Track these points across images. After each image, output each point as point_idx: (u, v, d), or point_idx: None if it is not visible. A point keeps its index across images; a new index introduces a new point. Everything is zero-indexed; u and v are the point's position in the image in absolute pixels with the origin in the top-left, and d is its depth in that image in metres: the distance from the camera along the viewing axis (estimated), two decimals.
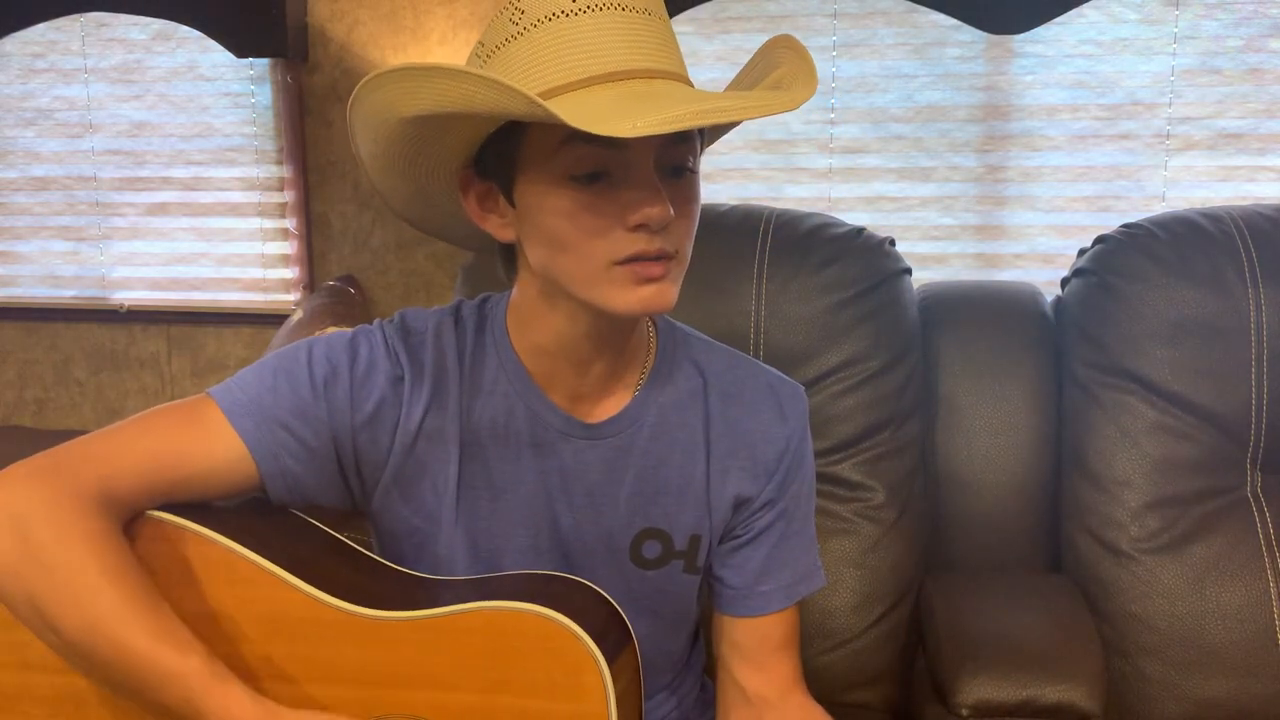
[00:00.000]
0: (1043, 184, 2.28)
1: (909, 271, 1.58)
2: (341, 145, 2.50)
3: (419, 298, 2.53)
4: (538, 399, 0.95)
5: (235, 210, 2.64)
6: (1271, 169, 2.19)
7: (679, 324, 1.03)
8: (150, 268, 2.71)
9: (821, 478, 1.37)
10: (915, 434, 1.50)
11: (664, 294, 0.84)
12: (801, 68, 0.84)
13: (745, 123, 0.99)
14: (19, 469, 0.83)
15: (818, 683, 1.09)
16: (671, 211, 0.81)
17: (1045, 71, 2.24)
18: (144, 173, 2.66)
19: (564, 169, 0.81)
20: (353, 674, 0.87)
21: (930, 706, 1.28)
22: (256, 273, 2.66)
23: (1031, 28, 2.15)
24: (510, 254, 0.94)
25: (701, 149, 0.91)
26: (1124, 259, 1.49)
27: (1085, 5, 2.14)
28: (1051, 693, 1.16)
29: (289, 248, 2.61)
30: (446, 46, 2.39)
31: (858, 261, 1.51)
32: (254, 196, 2.62)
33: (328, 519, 0.96)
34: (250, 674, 0.87)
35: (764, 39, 0.91)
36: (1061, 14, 2.14)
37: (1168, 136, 2.22)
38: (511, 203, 0.87)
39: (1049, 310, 1.61)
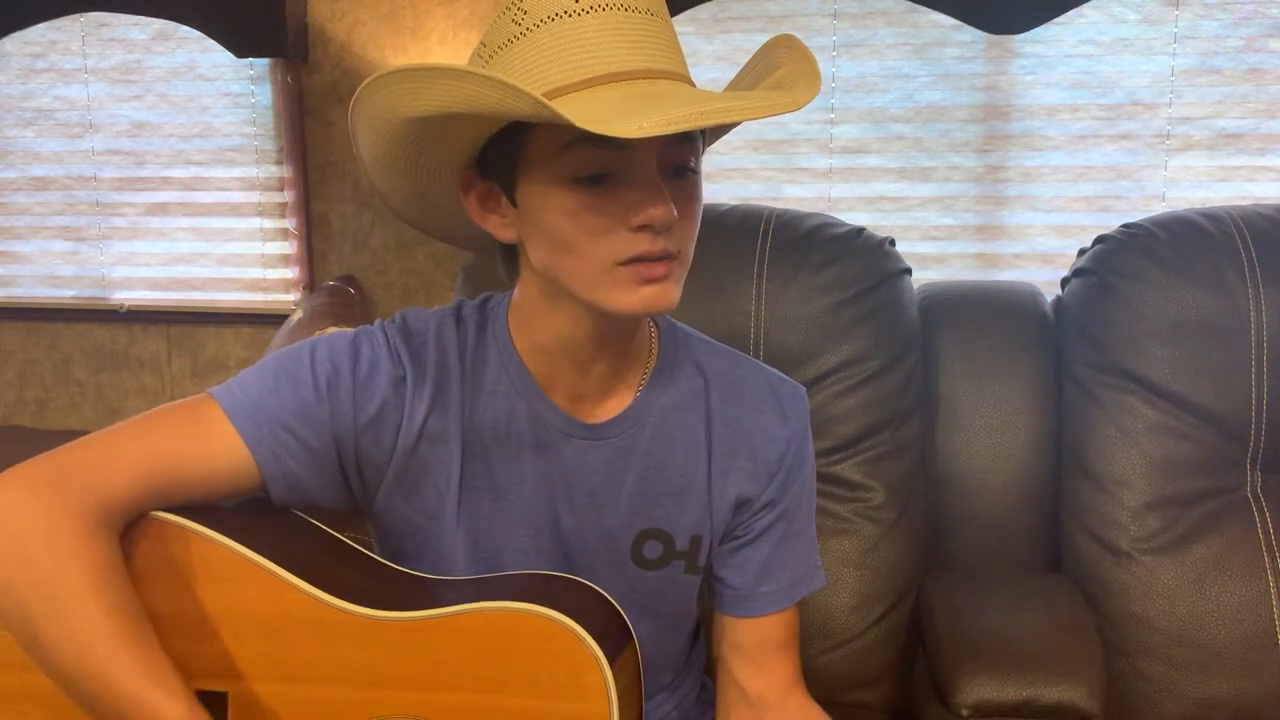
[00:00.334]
0: (1043, 184, 2.28)
1: (909, 271, 1.58)
2: (341, 145, 2.50)
3: (419, 298, 2.53)
4: (539, 399, 0.95)
5: (235, 210, 2.64)
6: (1271, 169, 2.19)
7: (680, 324, 1.03)
8: (150, 268, 2.71)
9: (821, 478, 1.37)
10: (915, 434, 1.50)
11: (666, 294, 0.84)
12: (803, 68, 0.84)
13: (746, 122, 0.99)
14: (18, 476, 0.82)
15: (818, 683, 1.09)
16: (675, 212, 0.81)
17: (1045, 71, 2.24)
18: (144, 173, 2.66)
19: (568, 170, 0.81)
20: (354, 674, 0.87)
21: (930, 706, 1.28)
22: (256, 273, 2.66)
23: (1031, 28, 2.15)
24: (511, 254, 0.94)
25: (703, 149, 0.91)
26: (1124, 259, 1.49)
27: (1085, 5, 2.14)
28: (1051, 693, 1.16)
29: (289, 248, 2.61)
30: (446, 46, 2.39)
31: (858, 261, 1.51)
32: (254, 196, 2.62)
33: (328, 519, 0.96)
34: (251, 674, 0.88)
35: (764, 39, 0.91)
36: (1061, 14, 2.14)
37: (1168, 136, 2.22)
38: (513, 203, 0.87)
39: (1049, 310, 1.61)
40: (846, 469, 1.47)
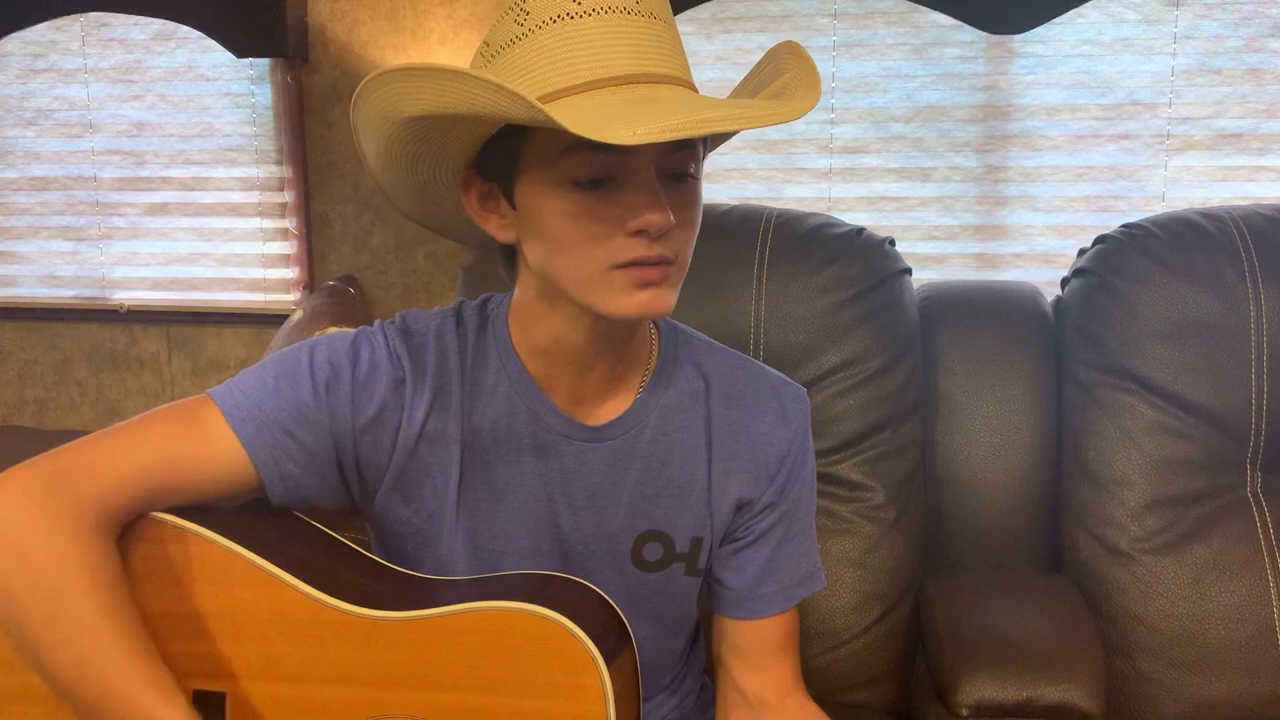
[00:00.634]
0: (1043, 184, 2.28)
1: (909, 271, 1.58)
2: (341, 145, 2.50)
3: (419, 298, 2.53)
4: (539, 401, 0.94)
5: (235, 210, 2.64)
6: (1271, 169, 2.19)
7: (681, 325, 1.03)
8: (150, 268, 2.71)
9: (822, 478, 1.37)
10: (915, 434, 1.50)
11: (661, 299, 0.84)
12: (805, 76, 0.84)
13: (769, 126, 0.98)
14: (15, 478, 0.82)
15: (818, 683, 1.09)
16: (671, 218, 0.81)
17: (1045, 71, 2.24)
18: (144, 173, 2.66)
19: (566, 173, 0.81)
20: (352, 674, 0.87)
21: (930, 706, 1.28)
22: (256, 273, 2.66)
23: (1031, 28, 2.15)
24: (511, 255, 0.94)
25: (705, 154, 0.91)
26: (1124, 259, 1.49)
27: (1085, 5, 2.14)
28: (1051, 693, 1.16)
29: (289, 248, 2.61)
30: (446, 46, 2.39)
31: (857, 261, 1.51)
32: (254, 196, 2.62)
33: (327, 519, 0.96)
34: (249, 674, 0.88)
35: (764, 39, 0.91)
36: (1061, 14, 2.14)
37: (1168, 136, 2.22)
38: (512, 204, 0.87)
39: (1049, 310, 1.61)
40: (846, 469, 1.47)
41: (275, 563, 0.87)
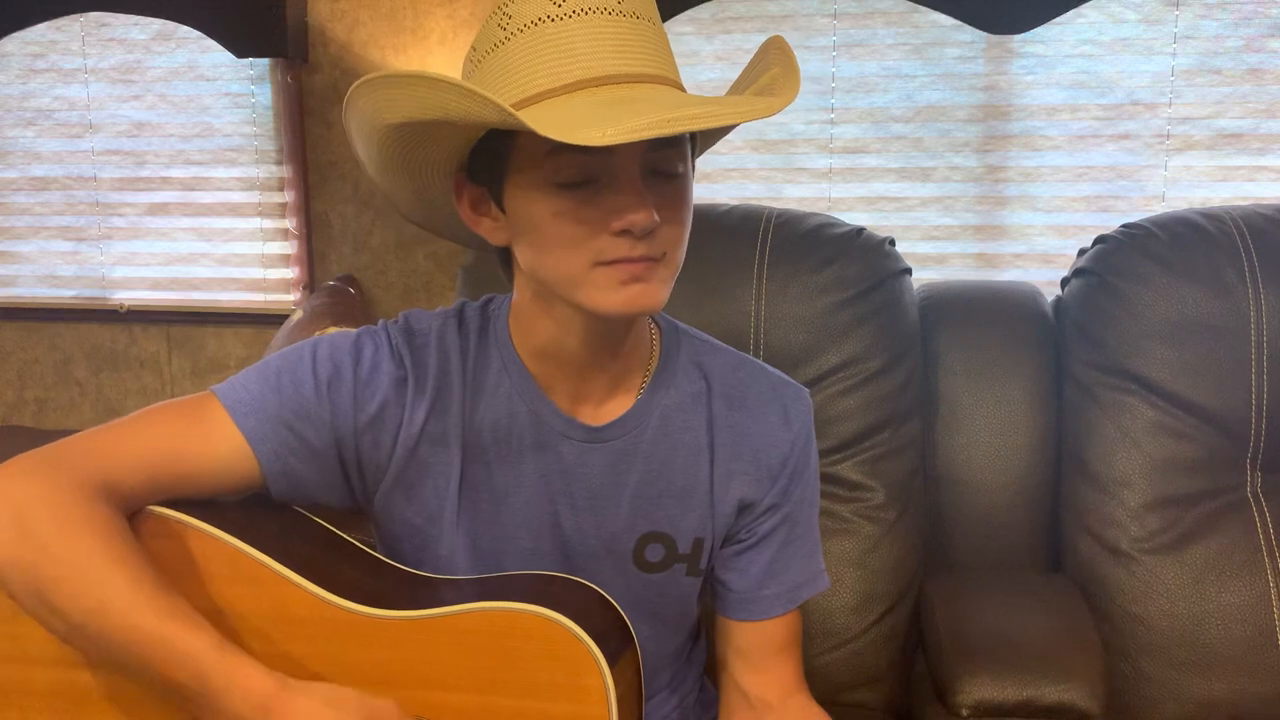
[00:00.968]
0: (1043, 184, 2.28)
1: (909, 271, 1.58)
2: (341, 145, 2.50)
3: (419, 298, 2.53)
4: (540, 401, 0.95)
5: (235, 210, 2.64)
6: (1271, 169, 2.19)
7: (683, 325, 1.03)
8: (150, 268, 2.71)
9: (822, 478, 1.36)
10: (915, 434, 1.50)
11: (650, 294, 0.84)
12: (786, 72, 0.84)
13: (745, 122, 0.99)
14: (18, 462, 0.83)
15: (818, 683, 1.09)
16: (656, 217, 0.81)
17: (1045, 71, 2.24)
18: (144, 173, 2.65)
19: (551, 175, 0.81)
20: (353, 672, 0.87)
21: (930, 706, 1.28)
22: (256, 273, 2.66)
23: (1031, 28, 2.15)
24: (508, 257, 0.94)
25: (696, 152, 0.90)
26: (1124, 259, 1.49)
27: (1085, 5, 2.14)
28: (1051, 693, 1.16)
29: (289, 248, 2.61)
30: (446, 46, 2.39)
31: (857, 261, 1.51)
32: (254, 196, 2.62)
33: (330, 517, 0.97)
34: None
35: (764, 39, 0.91)
36: (1061, 14, 2.14)
37: (1167, 136, 2.22)
38: (502, 208, 0.87)
39: (1049, 310, 1.61)
40: (846, 469, 1.47)
41: (277, 559, 0.87)
